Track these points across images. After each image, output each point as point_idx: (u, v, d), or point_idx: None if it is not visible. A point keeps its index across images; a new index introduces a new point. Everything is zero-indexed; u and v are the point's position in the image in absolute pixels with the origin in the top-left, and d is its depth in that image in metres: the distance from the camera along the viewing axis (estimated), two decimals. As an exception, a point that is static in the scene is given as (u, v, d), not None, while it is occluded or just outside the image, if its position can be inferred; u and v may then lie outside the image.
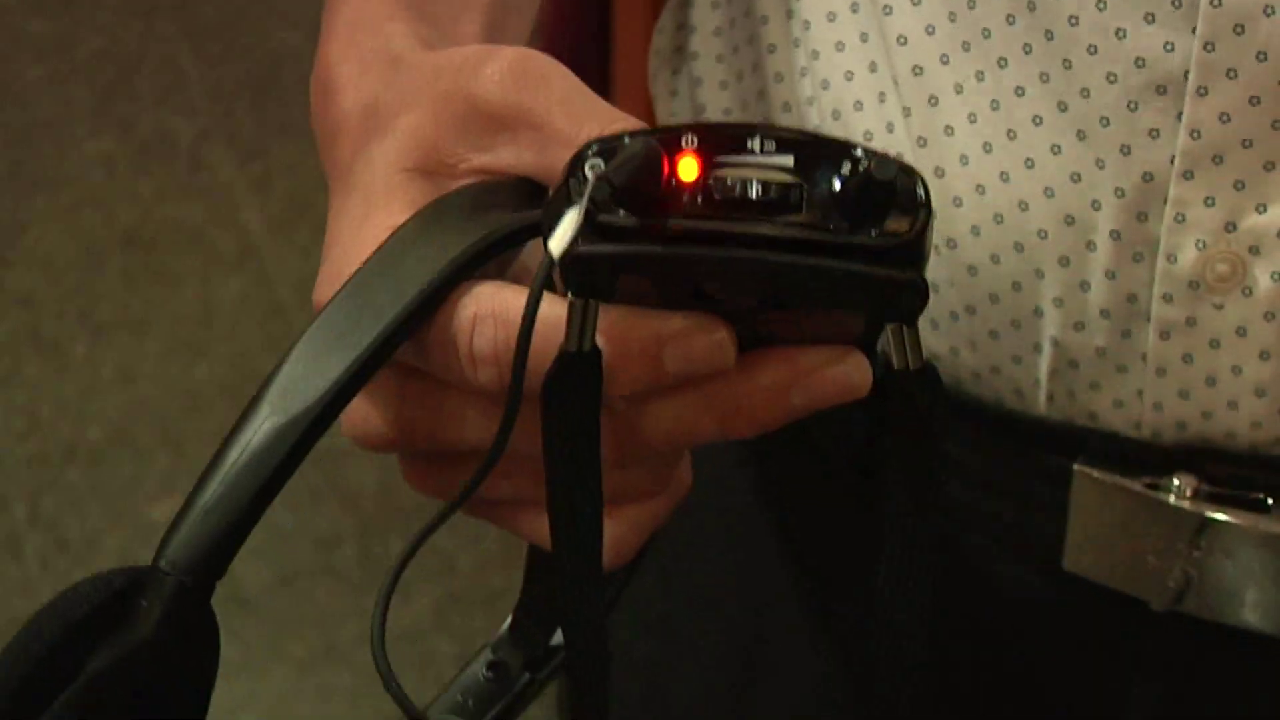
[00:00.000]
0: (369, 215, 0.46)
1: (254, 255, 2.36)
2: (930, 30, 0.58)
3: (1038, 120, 0.57)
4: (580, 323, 0.41)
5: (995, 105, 0.57)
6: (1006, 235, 0.59)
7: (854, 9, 0.60)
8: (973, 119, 0.58)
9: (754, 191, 0.40)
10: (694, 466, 0.49)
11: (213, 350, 2.21)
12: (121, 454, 2.08)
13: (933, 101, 0.59)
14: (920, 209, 0.40)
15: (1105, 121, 0.56)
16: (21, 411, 2.14)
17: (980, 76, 0.58)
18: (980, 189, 0.59)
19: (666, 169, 0.40)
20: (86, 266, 2.33)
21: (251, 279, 2.31)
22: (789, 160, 0.40)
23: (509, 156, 0.46)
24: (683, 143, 0.40)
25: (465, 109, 0.46)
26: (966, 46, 0.57)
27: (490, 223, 0.44)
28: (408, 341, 0.44)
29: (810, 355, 0.44)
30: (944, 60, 0.58)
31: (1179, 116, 0.55)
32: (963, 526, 0.64)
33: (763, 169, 0.40)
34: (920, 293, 0.41)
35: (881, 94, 0.60)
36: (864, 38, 0.60)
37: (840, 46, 0.61)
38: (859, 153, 0.41)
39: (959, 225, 0.59)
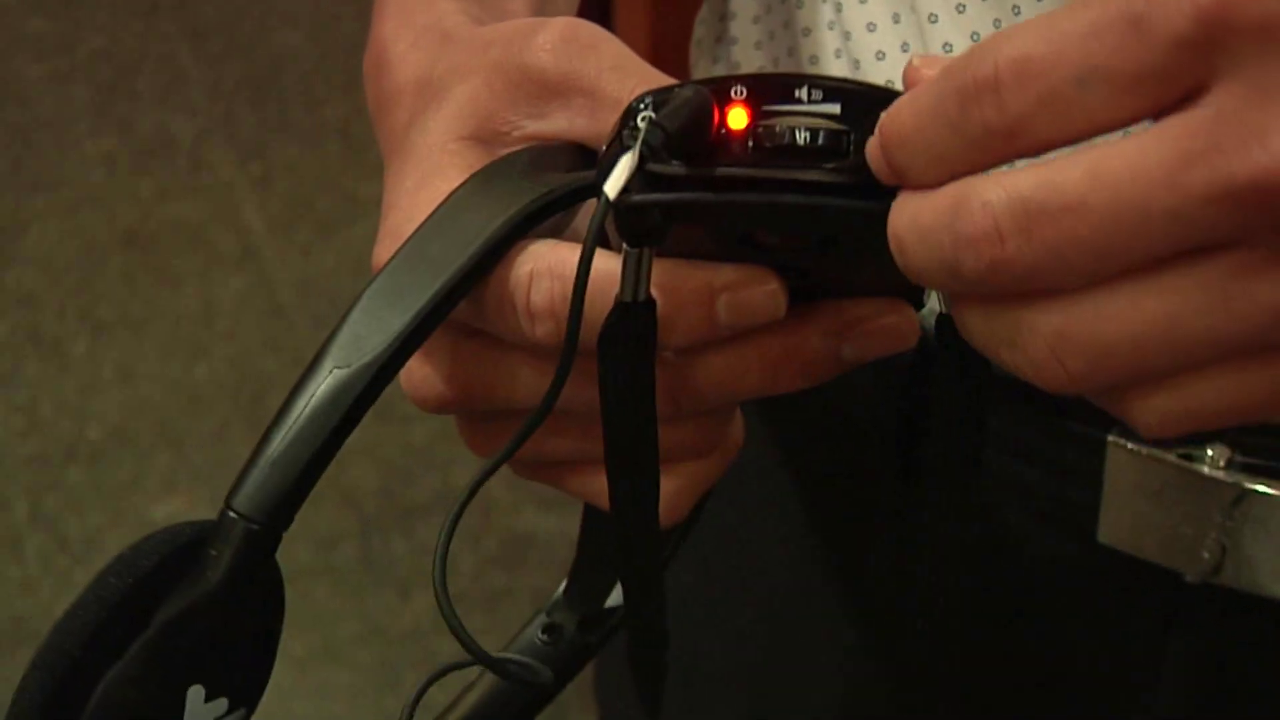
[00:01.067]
0: (425, 181, 0.47)
1: (254, 254, 2.36)
2: (961, 9, 0.59)
3: None
4: (635, 272, 0.42)
5: None
6: None
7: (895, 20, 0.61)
8: None
9: (802, 139, 0.41)
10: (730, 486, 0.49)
11: (213, 349, 2.21)
12: (122, 453, 2.09)
13: None
14: None
15: None
16: (22, 411, 2.14)
17: None
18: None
19: (716, 118, 0.41)
20: (87, 266, 2.33)
21: (252, 278, 2.31)
22: (836, 108, 0.41)
23: (562, 122, 0.47)
24: (732, 93, 0.41)
25: (518, 77, 0.47)
26: (997, 23, 0.58)
27: (546, 183, 0.45)
28: (465, 301, 0.45)
29: (859, 307, 0.45)
30: (974, 38, 0.59)
31: None
32: (997, 494, 0.64)
33: (810, 117, 0.41)
34: None
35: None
36: (896, 18, 0.61)
37: (872, 27, 0.62)
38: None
39: None
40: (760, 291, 0.44)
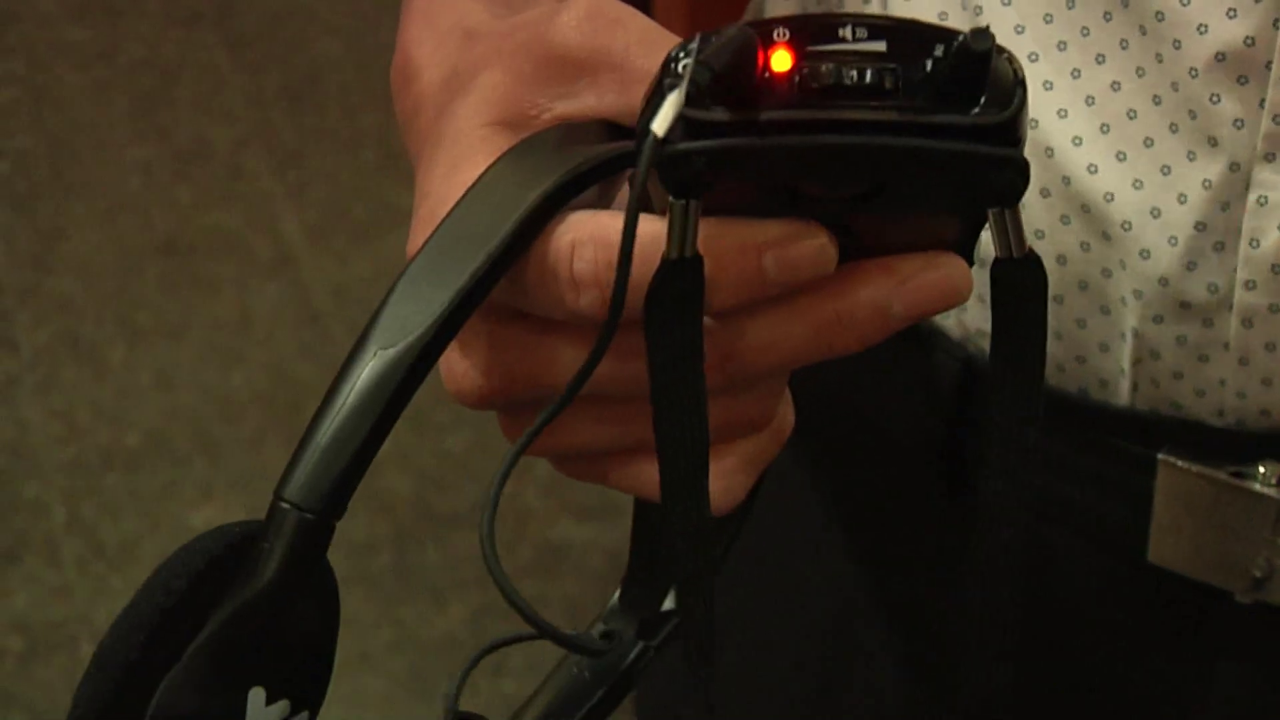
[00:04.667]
0: (457, 168, 0.46)
1: (291, 262, 2.36)
2: (1019, 30, 0.58)
3: (1132, 114, 0.57)
4: (682, 225, 0.40)
5: (1090, 100, 0.58)
6: (1093, 225, 0.59)
7: (941, 17, 0.61)
8: (1062, 114, 0.58)
9: (848, 78, 0.39)
10: (772, 464, 0.48)
11: (249, 356, 2.22)
12: (158, 459, 2.09)
13: None
14: (1016, 87, 0.40)
15: (1193, 114, 0.56)
16: (59, 416, 2.15)
17: (1075, 74, 0.58)
18: (1066, 180, 0.59)
19: (760, 62, 0.40)
20: (125, 272, 2.34)
21: (288, 285, 2.32)
22: (881, 45, 0.40)
23: (591, 100, 0.46)
24: (774, 35, 0.40)
25: (544, 58, 0.46)
26: (1063, 46, 0.58)
27: (579, 156, 0.44)
28: (505, 279, 0.44)
29: (909, 262, 0.44)
30: (1032, 59, 0.58)
31: (1261, 104, 0.55)
32: (1045, 516, 0.64)
33: (855, 56, 0.40)
34: (1021, 170, 0.41)
35: None
36: (941, 15, 0.61)
37: None
38: (951, 34, 0.40)
39: (1048, 215, 0.60)
40: (809, 246, 0.42)
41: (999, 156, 0.40)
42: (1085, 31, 0.57)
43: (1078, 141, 0.58)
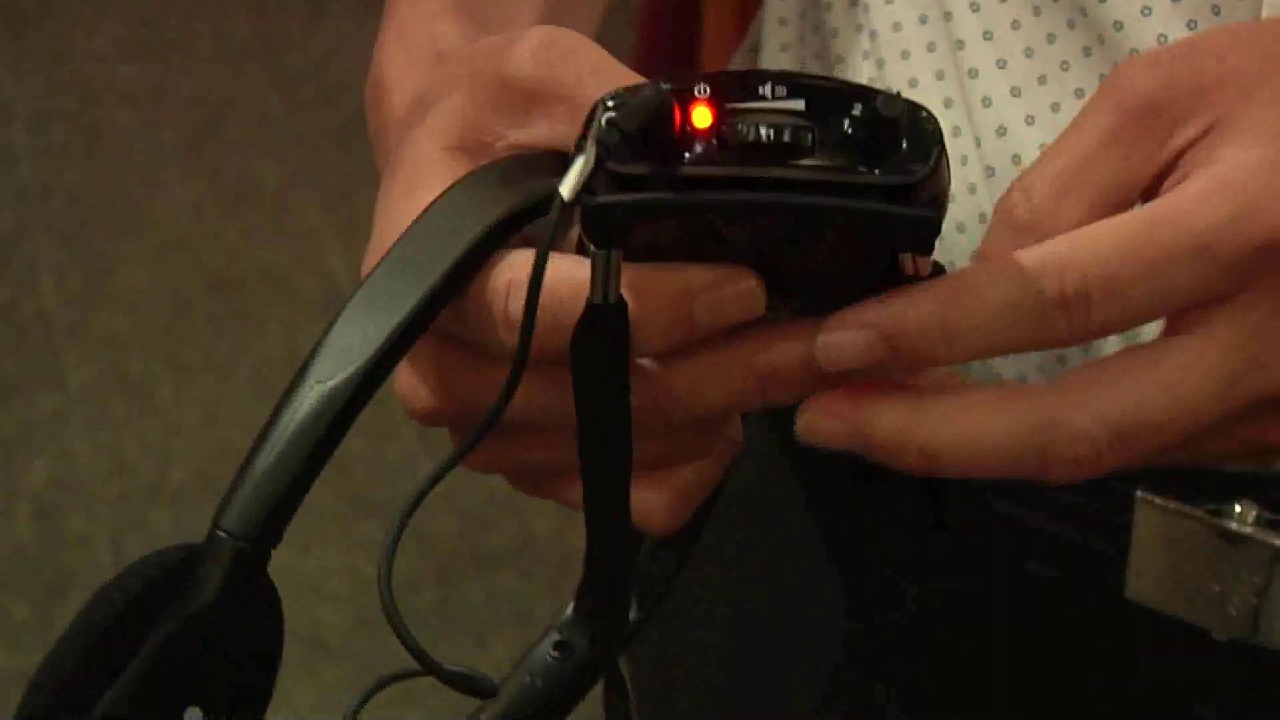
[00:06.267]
0: (412, 192, 0.47)
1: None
2: (988, 36, 0.59)
3: None
4: (604, 274, 0.42)
5: (1055, 108, 0.58)
6: None
7: (921, 21, 0.61)
8: (1030, 121, 0.59)
9: (766, 136, 0.41)
10: (743, 494, 0.49)
11: (296, 394, 2.23)
12: (205, 496, 2.10)
13: (986, 103, 0.60)
14: (933, 146, 0.41)
15: None
16: (107, 452, 2.16)
17: (1042, 80, 0.58)
18: None
19: (679, 117, 0.41)
20: (173, 309, 2.36)
21: (335, 324, 2.33)
22: (800, 104, 0.41)
23: (544, 131, 0.47)
24: (695, 91, 0.41)
25: (499, 87, 0.47)
26: (1029, 53, 0.58)
27: (524, 191, 0.46)
28: (448, 310, 0.45)
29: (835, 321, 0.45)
30: (1000, 65, 0.59)
31: None
32: (1025, 548, 0.64)
33: (775, 114, 0.41)
34: (933, 227, 0.42)
35: (948, 100, 0.61)
36: (931, 47, 0.61)
37: (905, 55, 0.62)
38: (869, 94, 0.41)
39: None
40: (737, 290, 0.43)
41: (909, 217, 0.41)
42: (1051, 38, 0.58)
43: (1043, 148, 0.59)
